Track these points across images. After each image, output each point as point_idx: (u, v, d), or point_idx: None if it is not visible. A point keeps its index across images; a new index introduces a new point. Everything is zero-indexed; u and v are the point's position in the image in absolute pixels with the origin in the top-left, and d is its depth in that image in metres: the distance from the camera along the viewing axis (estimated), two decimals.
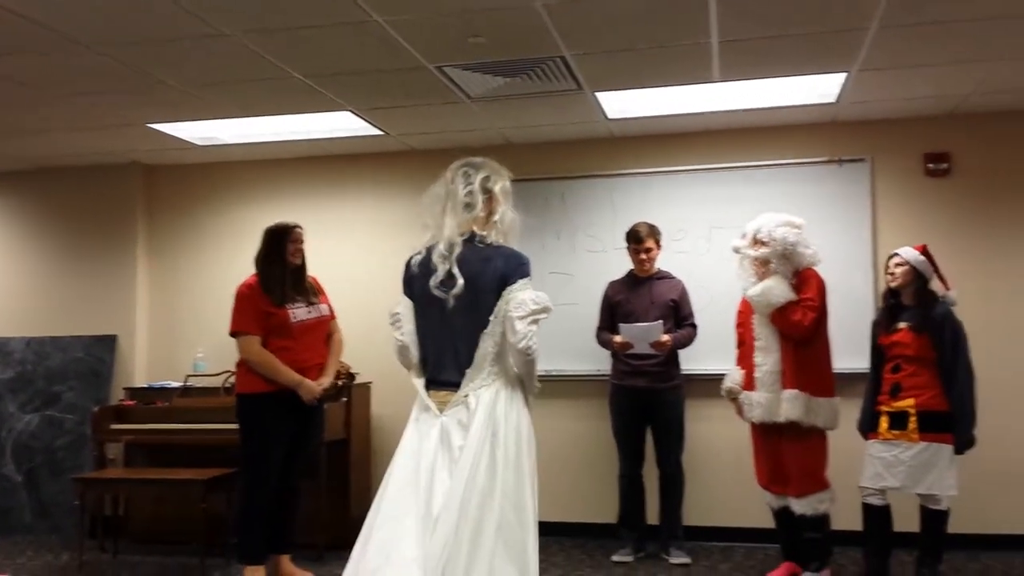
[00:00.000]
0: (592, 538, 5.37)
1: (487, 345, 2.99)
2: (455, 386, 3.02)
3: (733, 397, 4.63)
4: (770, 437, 4.45)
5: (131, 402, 5.78)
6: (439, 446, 2.95)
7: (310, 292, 4.71)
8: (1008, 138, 5.28)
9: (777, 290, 4.35)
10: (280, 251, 4.61)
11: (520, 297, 2.97)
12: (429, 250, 3.08)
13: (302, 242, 4.70)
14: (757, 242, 4.43)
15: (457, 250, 3.03)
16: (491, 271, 3.00)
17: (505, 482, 2.90)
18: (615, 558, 5.07)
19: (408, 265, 3.18)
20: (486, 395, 2.97)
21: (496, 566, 2.81)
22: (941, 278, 4.41)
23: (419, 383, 3.11)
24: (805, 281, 4.40)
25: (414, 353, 3.15)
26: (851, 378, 4.80)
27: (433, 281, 3.02)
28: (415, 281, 3.13)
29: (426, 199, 3.19)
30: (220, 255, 6.15)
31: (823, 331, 4.44)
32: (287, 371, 4.51)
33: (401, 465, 3.01)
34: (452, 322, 3.03)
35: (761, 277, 4.43)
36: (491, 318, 2.98)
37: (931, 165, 5.34)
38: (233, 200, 6.29)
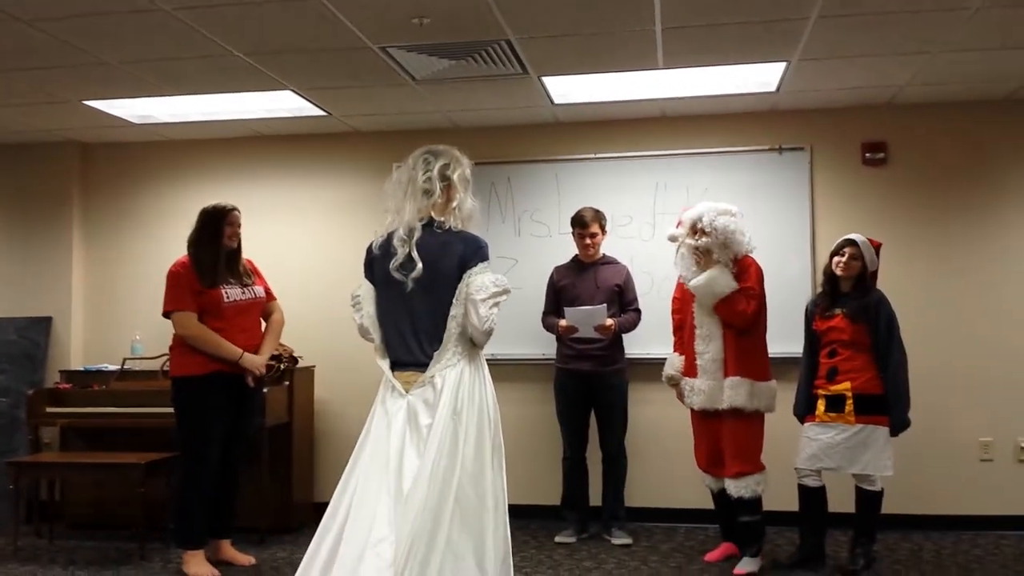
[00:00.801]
0: (536, 520, 5.41)
1: (451, 327, 3.11)
2: (419, 366, 3.12)
3: (674, 384, 4.69)
4: (710, 422, 4.52)
5: (67, 385, 5.66)
6: (406, 426, 3.08)
7: (244, 274, 4.65)
8: (942, 129, 5.41)
9: (721, 280, 4.39)
10: (216, 233, 4.54)
11: (480, 280, 3.10)
12: (390, 234, 3.19)
13: (239, 225, 4.63)
14: (698, 231, 4.45)
15: (417, 235, 3.14)
16: (451, 255, 3.12)
17: (465, 457, 3.03)
18: (558, 539, 5.12)
19: (369, 249, 3.29)
20: (452, 375, 3.08)
21: (453, 538, 2.95)
22: (874, 276, 4.53)
23: (384, 364, 3.21)
24: (745, 270, 4.44)
25: (375, 335, 3.25)
26: (788, 362, 4.89)
27: (393, 264, 3.12)
28: (376, 264, 3.24)
29: (388, 185, 3.31)
30: (158, 236, 6.04)
31: (762, 318, 4.50)
32: (227, 345, 4.45)
33: (371, 446, 3.11)
34: (412, 304, 3.14)
35: (702, 266, 4.46)
36: (453, 300, 3.10)
37: (868, 154, 5.45)
38: (172, 180, 6.17)
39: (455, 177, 3.22)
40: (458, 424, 3.05)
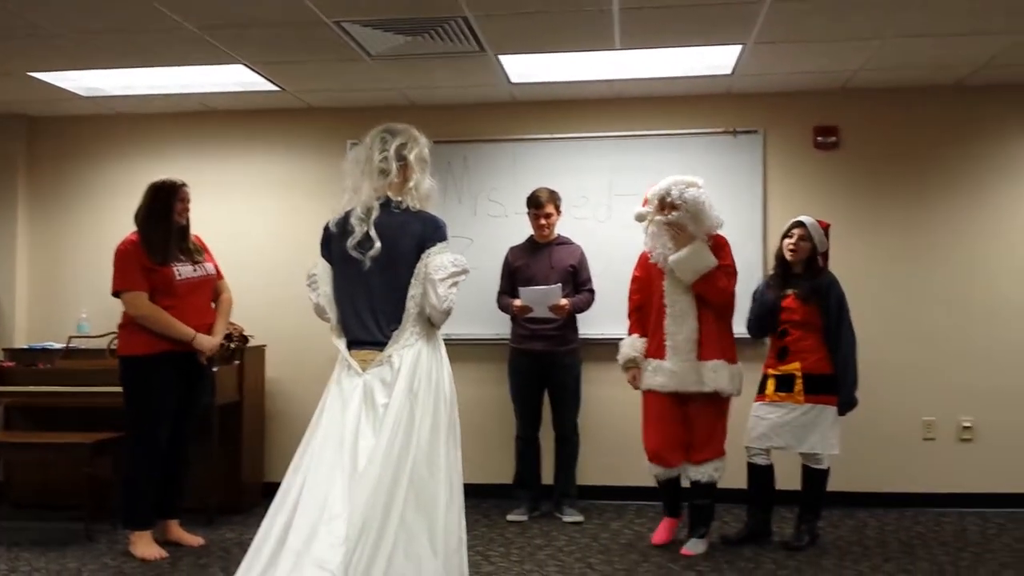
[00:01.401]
0: (488, 498, 5.43)
1: (410, 306, 3.12)
2: (376, 345, 3.14)
3: (632, 367, 4.54)
4: (676, 406, 4.41)
5: (10, 363, 5.53)
6: (362, 405, 3.08)
7: (194, 251, 4.57)
8: (893, 114, 5.49)
9: (704, 255, 4.29)
10: (166, 210, 4.46)
11: (439, 260, 3.12)
12: (348, 213, 3.19)
13: (189, 201, 4.55)
14: (667, 206, 4.35)
15: (374, 214, 3.14)
16: (409, 235, 3.14)
17: (420, 437, 3.05)
18: (510, 517, 5.15)
19: (326, 227, 3.28)
20: (409, 355, 3.10)
21: (407, 517, 2.97)
22: (824, 257, 4.59)
23: (340, 343, 3.21)
24: (721, 247, 4.39)
25: (331, 314, 3.25)
26: (741, 344, 4.94)
27: (350, 242, 3.15)
28: (333, 242, 3.24)
29: (346, 163, 3.31)
30: (106, 212, 5.91)
31: (734, 301, 4.47)
32: (180, 325, 4.38)
33: (325, 425, 3.11)
34: (370, 283, 3.15)
35: (679, 243, 4.34)
36: (412, 280, 3.11)
37: (820, 138, 5.51)
38: (120, 155, 6.03)
39: (412, 157, 3.22)
40: (415, 404, 3.07)
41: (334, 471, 2.99)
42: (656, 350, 4.44)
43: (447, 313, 3.14)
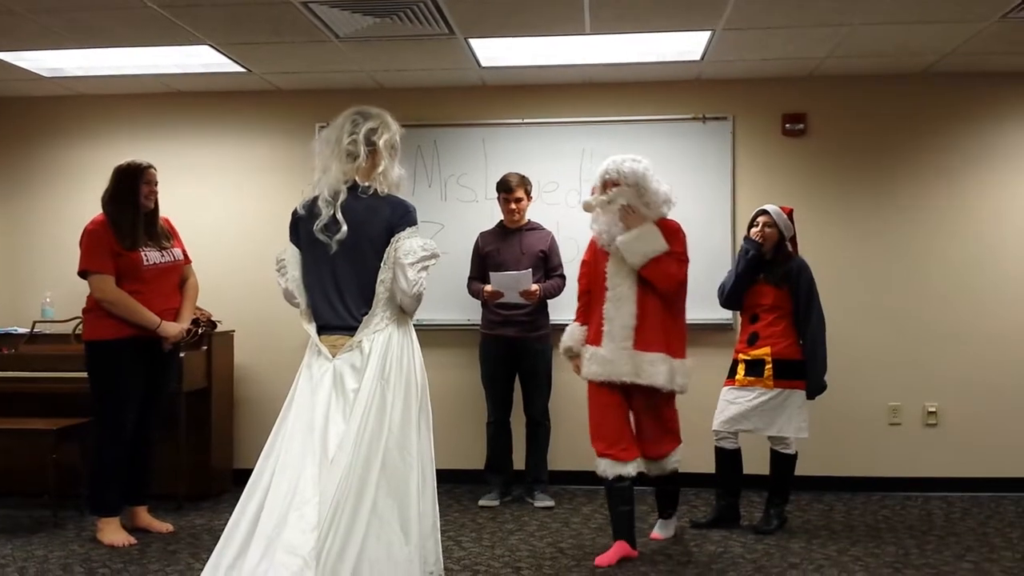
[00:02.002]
0: (460, 483, 5.43)
1: (380, 291, 3.10)
2: (347, 330, 3.12)
3: (572, 356, 4.32)
4: (613, 395, 4.09)
5: None
6: (332, 390, 3.06)
7: (162, 236, 4.51)
8: (860, 101, 5.53)
9: (653, 237, 4.02)
10: (132, 193, 4.39)
11: (409, 244, 3.10)
12: (316, 196, 3.16)
13: (156, 183, 4.48)
14: (608, 184, 4.11)
15: (342, 197, 3.11)
16: (378, 220, 3.11)
17: (392, 422, 3.04)
18: (482, 502, 5.16)
19: (295, 211, 3.25)
20: (380, 340, 3.08)
21: (379, 501, 2.97)
22: (795, 243, 4.63)
23: (311, 328, 3.19)
24: (674, 233, 4.10)
25: (300, 299, 3.23)
26: (709, 329, 4.98)
27: (317, 225, 3.10)
28: (301, 225, 3.21)
29: (317, 143, 3.26)
30: (71, 195, 5.81)
31: (684, 291, 4.18)
32: (145, 312, 4.33)
33: (295, 410, 3.09)
34: (337, 268, 3.13)
35: (629, 225, 4.06)
36: (382, 265, 3.09)
37: (788, 125, 5.54)
38: (84, 137, 5.93)
39: (381, 143, 3.18)
40: (385, 389, 3.06)
41: (304, 457, 2.98)
42: (594, 336, 4.16)
43: (417, 298, 3.12)
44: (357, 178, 3.15)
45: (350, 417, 3.00)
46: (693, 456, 4.67)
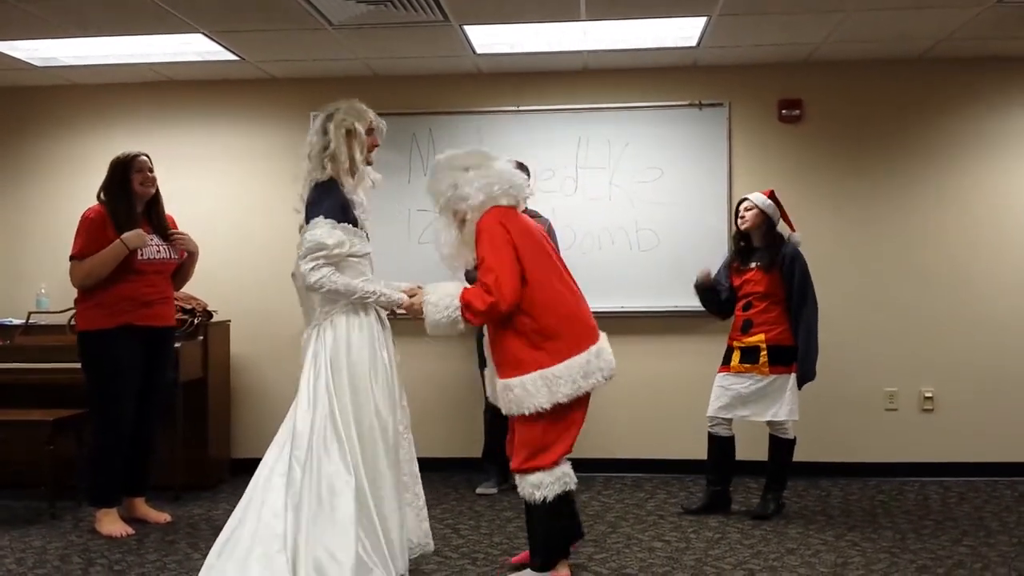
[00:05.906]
0: (458, 472, 5.44)
1: (298, 283, 3.37)
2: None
3: None
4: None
5: None
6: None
7: (166, 231, 4.50)
8: (856, 87, 5.51)
9: (437, 307, 3.29)
10: (125, 183, 4.37)
11: (305, 236, 3.29)
12: None
13: (150, 170, 4.45)
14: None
15: (305, 192, 3.39)
16: (306, 212, 3.35)
17: (300, 402, 3.29)
18: (479, 490, 5.16)
19: None
20: (314, 333, 3.34)
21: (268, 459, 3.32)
22: (787, 220, 4.63)
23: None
24: (477, 237, 3.35)
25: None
26: (703, 316, 4.97)
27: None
28: None
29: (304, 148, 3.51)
30: (65, 185, 5.78)
31: (531, 292, 3.31)
32: (108, 248, 4.25)
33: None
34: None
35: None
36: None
37: (784, 111, 5.53)
38: (78, 127, 5.89)
39: (332, 125, 3.36)
40: (310, 378, 3.35)
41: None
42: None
43: (316, 289, 3.27)
44: (309, 168, 3.40)
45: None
46: (684, 442, 4.68)
